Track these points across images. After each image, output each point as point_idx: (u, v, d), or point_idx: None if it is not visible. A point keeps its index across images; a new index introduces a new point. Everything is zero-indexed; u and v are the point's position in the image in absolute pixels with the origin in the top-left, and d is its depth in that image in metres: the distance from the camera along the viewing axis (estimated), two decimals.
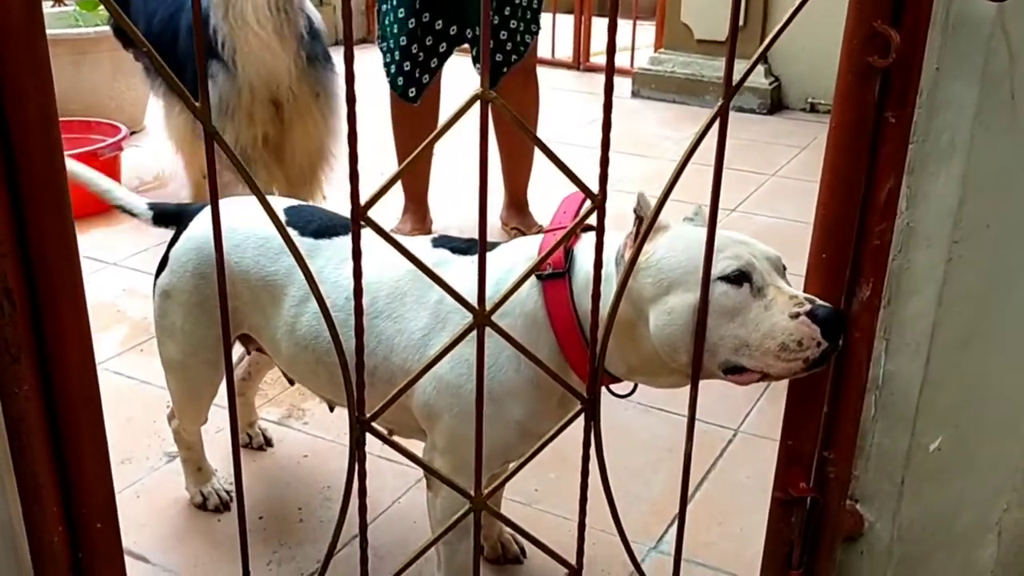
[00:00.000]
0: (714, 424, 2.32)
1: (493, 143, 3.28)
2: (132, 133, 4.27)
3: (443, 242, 1.61)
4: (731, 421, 2.34)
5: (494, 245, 1.56)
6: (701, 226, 1.45)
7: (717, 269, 1.30)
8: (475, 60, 3.10)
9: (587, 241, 1.45)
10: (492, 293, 1.41)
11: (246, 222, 1.69)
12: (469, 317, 1.44)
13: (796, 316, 1.28)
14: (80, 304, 1.06)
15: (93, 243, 3.29)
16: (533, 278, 1.43)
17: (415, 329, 1.51)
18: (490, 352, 1.06)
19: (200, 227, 1.76)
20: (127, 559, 1.85)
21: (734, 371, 1.34)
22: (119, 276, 3.09)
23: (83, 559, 1.16)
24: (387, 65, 3.07)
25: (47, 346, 1.05)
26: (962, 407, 1.26)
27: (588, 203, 1.07)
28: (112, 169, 3.66)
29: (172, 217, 1.87)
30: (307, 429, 2.30)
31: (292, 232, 1.64)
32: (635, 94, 5.31)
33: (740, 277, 1.31)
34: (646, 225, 1.16)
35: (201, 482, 2.02)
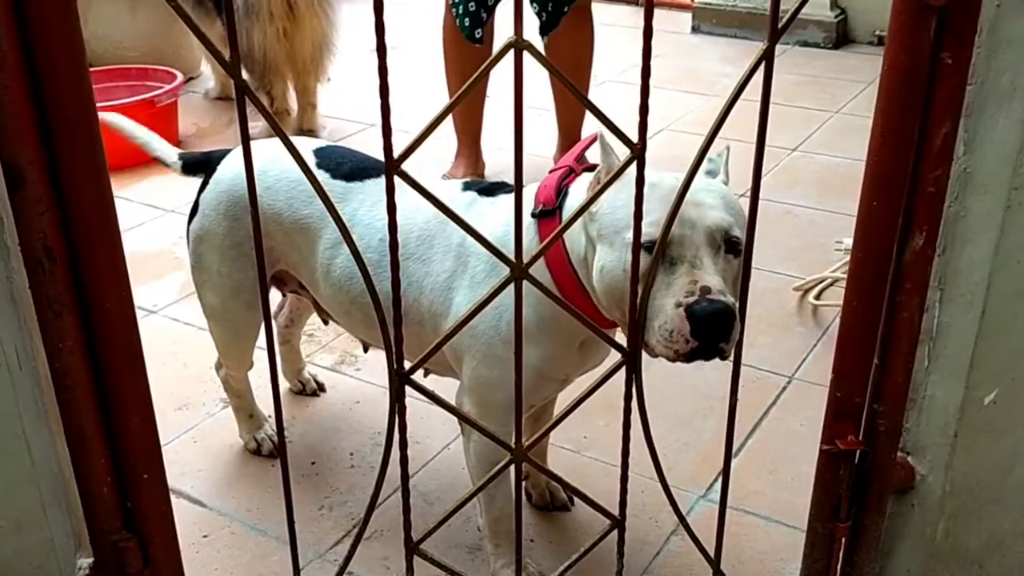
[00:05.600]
0: (768, 371, 2.28)
1: (544, 84, 3.24)
2: (189, 79, 4.30)
3: (471, 185, 1.62)
4: (786, 368, 2.30)
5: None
6: (716, 172, 1.41)
7: None
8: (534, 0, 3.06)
9: (583, 180, 1.44)
10: (501, 235, 1.43)
11: (276, 164, 1.70)
12: (488, 261, 1.46)
13: (679, 305, 1.24)
14: (119, 259, 1.07)
15: (149, 191, 3.33)
16: (530, 218, 1.44)
17: (440, 271, 1.54)
18: (506, 294, 1.06)
19: (227, 170, 1.78)
20: (184, 503, 1.91)
21: None
22: (176, 223, 3.13)
23: (132, 508, 1.19)
24: (455, 6, 3.07)
25: (88, 302, 1.06)
26: (1019, 359, 1.21)
27: (626, 151, 1.04)
28: (169, 116, 3.69)
29: (199, 164, 1.89)
30: (359, 375, 2.32)
31: (323, 175, 1.66)
32: (695, 29, 5.18)
33: (652, 247, 1.21)
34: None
35: (254, 428, 2.06)
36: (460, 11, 3.07)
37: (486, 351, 1.48)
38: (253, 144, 1.80)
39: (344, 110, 4.10)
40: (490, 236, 1.31)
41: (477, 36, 3.07)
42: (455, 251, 1.53)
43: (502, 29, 3.08)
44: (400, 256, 1.55)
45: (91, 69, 3.71)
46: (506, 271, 1.06)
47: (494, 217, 1.50)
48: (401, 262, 1.55)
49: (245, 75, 3.75)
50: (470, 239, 1.47)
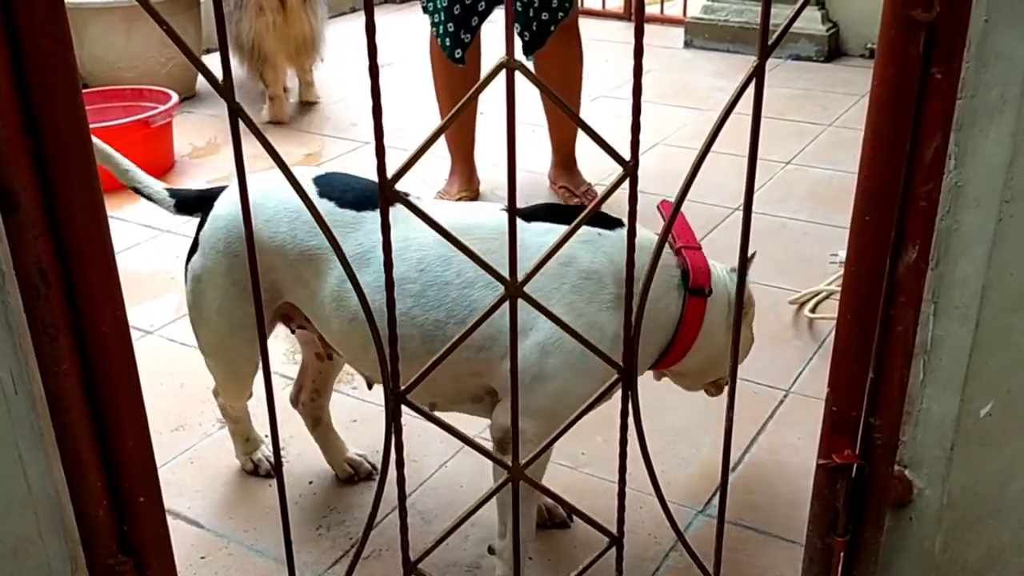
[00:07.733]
0: (764, 385, 2.28)
1: (536, 100, 3.24)
2: (184, 99, 4.31)
3: (530, 216, 1.63)
4: (782, 382, 2.30)
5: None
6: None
7: None
8: (517, 19, 3.06)
9: (722, 273, 1.71)
10: (620, 263, 1.50)
11: (275, 195, 1.66)
12: (620, 286, 1.49)
13: None
14: (114, 282, 1.07)
15: (145, 211, 3.32)
16: (681, 288, 1.63)
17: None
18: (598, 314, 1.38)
19: (225, 206, 1.74)
20: (181, 524, 1.90)
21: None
22: (173, 243, 3.13)
23: (128, 531, 1.18)
24: (435, 25, 3.07)
25: (83, 325, 1.06)
26: (1014, 372, 1.22)
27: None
28: (164, 136, 3.70)
29: (195, 203, 1.84)
30: (356, 394, 2.32)
31: (329, 204, 1.61)
32: (688, 44, 5.20)
33: None
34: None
35: (251, 450, 2.05)
36: (440, 31, 3.05)
37: (585, 367, 1.51)
38: (249, 177, 1.78)
39: (339, 128, 4.11)
40: (612, 265, 1.55)
41: (457, 56, 3.05)
42: (555, 270, 1.54)
43: (489, 48, 3.09)
44: (462, 283, 1.55)
45: (86, 90, 3.75)
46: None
47: (610, 250, 1.58)
48: (462, 290, 1.56)
49: (237, 63, 4.08)
50: (583, 264, 1.55)
